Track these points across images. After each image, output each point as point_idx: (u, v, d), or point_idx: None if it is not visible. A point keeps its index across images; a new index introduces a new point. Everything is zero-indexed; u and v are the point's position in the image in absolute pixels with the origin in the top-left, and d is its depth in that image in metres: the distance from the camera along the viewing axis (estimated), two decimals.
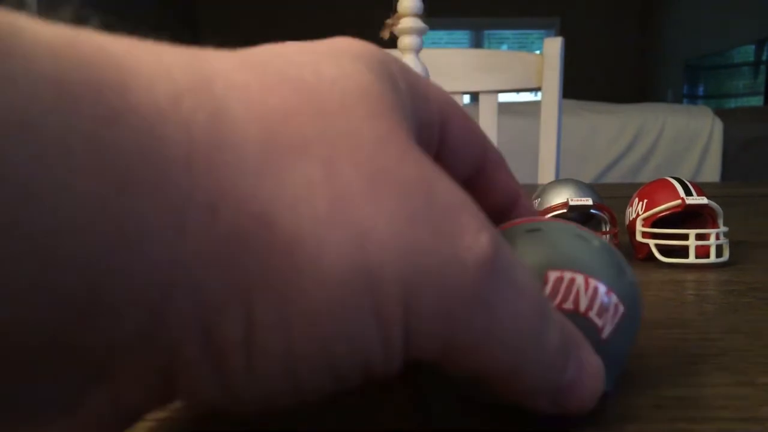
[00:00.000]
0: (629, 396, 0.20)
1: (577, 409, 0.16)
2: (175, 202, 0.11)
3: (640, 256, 0.42)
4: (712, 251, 0.39)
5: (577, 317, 0.18)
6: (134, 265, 0.11)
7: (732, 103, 4.00)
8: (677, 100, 4.75)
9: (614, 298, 0.18)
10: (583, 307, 0.18)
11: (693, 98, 4.54)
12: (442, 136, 0.18)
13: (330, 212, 0.12)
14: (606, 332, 0.18)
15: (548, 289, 0.18)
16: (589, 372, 0.16)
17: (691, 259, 0.39)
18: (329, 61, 0.14)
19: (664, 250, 0.41)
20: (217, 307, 0.12)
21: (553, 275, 0.18)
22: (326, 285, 0.12)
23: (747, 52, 3.91)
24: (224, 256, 0.11)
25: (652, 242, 0.41)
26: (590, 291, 0.18)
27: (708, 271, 0.39)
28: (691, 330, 0.27)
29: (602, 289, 0.18)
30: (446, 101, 0.18)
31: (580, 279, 0.18)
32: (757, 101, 3.73)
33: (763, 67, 3.72)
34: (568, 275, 0.18)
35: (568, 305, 0.18)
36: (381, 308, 0.13)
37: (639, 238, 0.42)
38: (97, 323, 0.11)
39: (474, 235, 0.13)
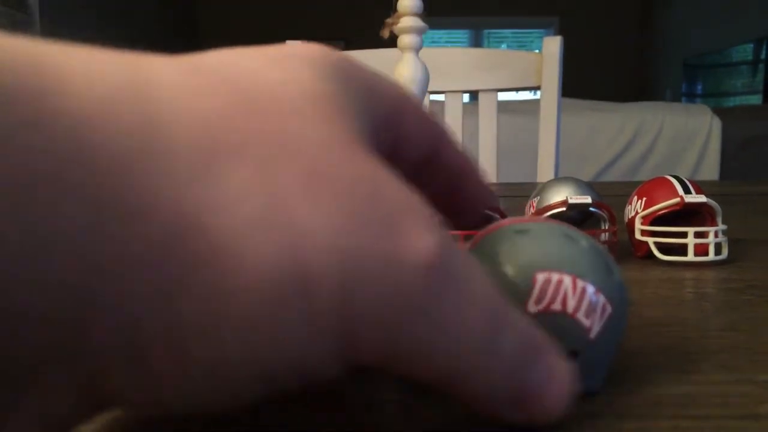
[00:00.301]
0: (628, 394, 0.20)
1: (544, 417, 0.16)
2: (93, 207, 0.11)
3: (639, 254, 0.42)
4: (711, 249, 0.39)
5: (565, 318, 0.18)
6: (49, 273, 0.10)
7: (730, 102, 4.00)
8: (676, 98, 4.75)
9: (602, 299, 0.18)
10: (571, 308, 0.18)
11: (691, 97, 4.54)
12: (396, 129, 0.18)
13: (263, 215, 0.12)
14: (594, 332, 0.18)
15: (536, 290, 0.18)
16: (557, 379, 0.16)
17: (690, 257, 0.39)
18: (277, 66, 0.14)
19: (663, 248, 0.41)
20: (140, 315, 0.11)
21: (541, 277, 0.18)
22: (254, 289, 0.12)
23: (745, 51, 3.91)
24: (146, 262, 0.11)
25: (651, 240, 0.41)
26: (578, 292, 0.18)
27: (707, 269, 0.39)
28: (690, 328, 0.27)
29: (590, 289, 0.18)
30: (399, 95, 0.18)
31: (567, 280, 0.18)
32: (755, 100, 3.73)
33: (761, 66, 3.72)
34: (555, 276, 0.18)
35: (556, 306, 0.18)
36: (314, 314, 0.12)
37: (638, 236, 0.42)
38: (15, 334, 0.10)
39: (418, 237, 0.13)
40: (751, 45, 3.82)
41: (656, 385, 0.21)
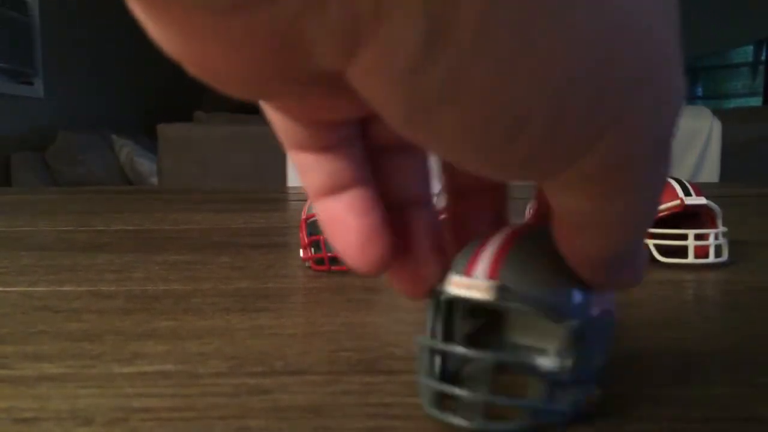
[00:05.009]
0: (628, 396, 0.20)
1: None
2: None
3: None
4: (711, 251, 0.39)
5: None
6: None
7: (731, 104, 4.01)
8: None
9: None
10: None
11: (691, 99, 4.54)
12: None
13: None
14: (595, 311, 0.18)
15: None
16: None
17: (690, 259, 0.39)
18: None
19: (663, 250, 0.41)
20: None
21: None
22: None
23: (746, 53, 3.91)
24: None
25: (651, 242, 0.41)
26: None
27: (707, 271, 0.39)
28: (690, 330, 0.27)
29: None
30: None
31: None
32: (755, 101, 3.73)
33: (761, 68, 3.72)
34: None
35: None
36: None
37: None
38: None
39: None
40: (751, 47, 3.83)
41: (655, 386, 0.21)
